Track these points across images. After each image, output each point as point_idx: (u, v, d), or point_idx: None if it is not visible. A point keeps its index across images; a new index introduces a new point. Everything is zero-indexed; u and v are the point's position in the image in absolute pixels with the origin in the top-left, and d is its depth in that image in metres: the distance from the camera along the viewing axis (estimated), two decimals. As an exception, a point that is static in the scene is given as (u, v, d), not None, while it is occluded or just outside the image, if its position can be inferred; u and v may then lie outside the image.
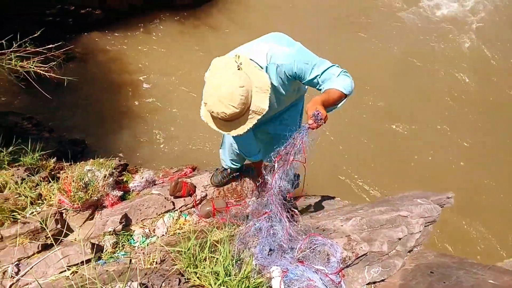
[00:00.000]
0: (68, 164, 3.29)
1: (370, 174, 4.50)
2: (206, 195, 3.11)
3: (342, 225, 1.99)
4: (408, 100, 5.50)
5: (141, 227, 2.77)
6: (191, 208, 3.03)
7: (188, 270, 1.75)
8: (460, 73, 5.92)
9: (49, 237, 2.30)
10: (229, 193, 3.16)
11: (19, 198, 2.47)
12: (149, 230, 2.78)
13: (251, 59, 1.63)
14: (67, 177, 2.64)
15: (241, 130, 1.60)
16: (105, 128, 4.40)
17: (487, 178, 4.76)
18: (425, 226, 2.04)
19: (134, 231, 2.74)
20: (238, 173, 3.08)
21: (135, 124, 4.58)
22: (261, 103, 1.57)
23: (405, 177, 4.57)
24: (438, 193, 2.26)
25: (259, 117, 1.59)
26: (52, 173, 3.03)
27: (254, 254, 1.84)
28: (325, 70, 1.64)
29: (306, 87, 2.14)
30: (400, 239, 1.92)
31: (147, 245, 2.59)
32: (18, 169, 2.76)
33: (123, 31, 5.49)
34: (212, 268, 1.63)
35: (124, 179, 3.05)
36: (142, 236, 2.70)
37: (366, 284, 1.92)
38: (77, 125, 4.34)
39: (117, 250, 2.52)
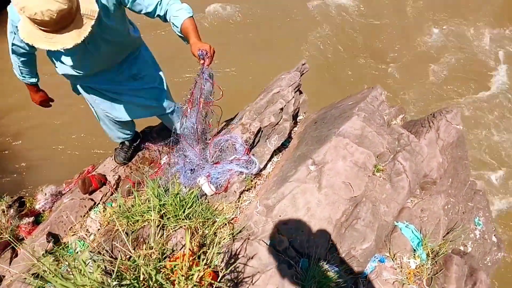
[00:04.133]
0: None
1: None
2: (119, 176, 3.11)
3: (237, 125, 2.30)
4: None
5: (73, 235, 2.71)
6: (111, 195, 3.02)
7: (129, 223, 1.88)
8: None
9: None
10: (140, 164, 3.21)
11: None
12: (83, 233, 2.74)
13: None
14: (-40, 233, 2.37)
15: (78, 38, 1.44)
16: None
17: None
18: (295, 92, 2.49)
19: (68, 242, 2.67)
20: (138, 141, 3.11)
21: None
22: (89, 5, 1.48)
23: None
24: (295, 65, 2.73)
25: (93, 22, 1.49)
26: None
27: (180, 181, 2.05)
28: None
29: (139, 32, 2.18)
30: (281, 109, 2.33)
31: (88, 245, 2.58)
32: None
33: None
34: (147, 205, 1.79)
35: (28, 205, 2.84)
36: (79, 241, 2.65)
37: (275, 155, 2.33)
38: None
39: (60, 267, 2.46)
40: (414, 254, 1.86)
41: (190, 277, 1.13)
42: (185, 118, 1.89)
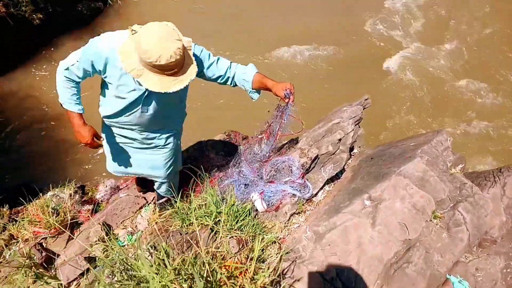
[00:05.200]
0: (23, 207, 3.22)
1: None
2: (173, 180, 3.28)
3: (293, 146, 2.37)
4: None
5: (123, 228, 2.89)
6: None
7: (184, 225, 1.99)
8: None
9: (38, 265, 2.34)
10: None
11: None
12: (132, 228, 2.91)
13: None
14: (33, 208, 2.64)
15: (194, 69, 1.63)
16: (47, 164, 4.28)
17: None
18: (355, 125, 2.51)
19: (118, 234, 2.84)
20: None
21: (74, 150, 4.54)
22: (184, 37, 1.63)
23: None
24: (358, 99, 2.76)
25: (192, 51, 1.68)
26: (11, 219, 2.97)
27: (234, 193, 2.13)
28: (219, 58, 1.90)
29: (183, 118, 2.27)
30: (340, 139, 2.36)
31: (135, 240, 2.73)
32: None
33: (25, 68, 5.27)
34: (204, 210, 1.89)
35: (90, 194, 3.10)
36: (128, 235, 2.82)
37: (327, 184, 2.35)
38: (16, 168, 4.20)
39: (109, 255, 2.62)
40: (467, 314, 1.74)
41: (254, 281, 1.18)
42: (256, 145, 2.04)
